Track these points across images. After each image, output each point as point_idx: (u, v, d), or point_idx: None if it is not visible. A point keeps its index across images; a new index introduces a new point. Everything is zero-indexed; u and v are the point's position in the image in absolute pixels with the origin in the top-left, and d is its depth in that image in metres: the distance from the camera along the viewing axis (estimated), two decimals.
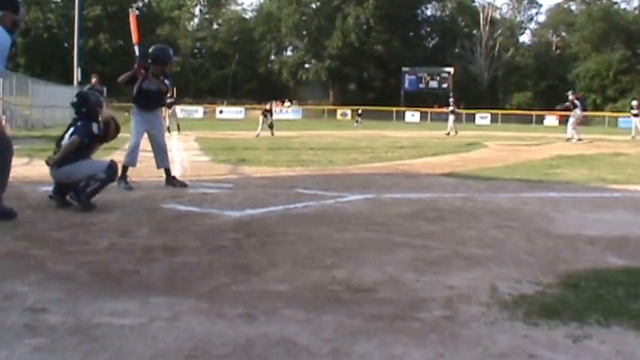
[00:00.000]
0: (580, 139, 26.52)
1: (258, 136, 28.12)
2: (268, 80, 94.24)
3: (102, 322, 3.67)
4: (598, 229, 6.96)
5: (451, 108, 36.74)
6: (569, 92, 30.28)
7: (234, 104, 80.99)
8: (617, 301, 4.18)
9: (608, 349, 3.41)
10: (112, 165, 7.91)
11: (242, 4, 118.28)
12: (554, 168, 14.42)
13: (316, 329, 3.63)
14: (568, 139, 27.01)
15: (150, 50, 10.30)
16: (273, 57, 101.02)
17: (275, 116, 32.41)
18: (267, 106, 31.05)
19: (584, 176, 12.68)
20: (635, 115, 33.35)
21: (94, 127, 7.87)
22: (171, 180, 10.16)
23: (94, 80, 23.24)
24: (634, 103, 33.81)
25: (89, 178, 7.62)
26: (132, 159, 10.03)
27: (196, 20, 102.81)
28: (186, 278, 4.72)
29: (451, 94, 39.21)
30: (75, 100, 8.16)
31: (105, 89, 22.02)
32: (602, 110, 78.59)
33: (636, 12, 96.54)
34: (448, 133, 34.49)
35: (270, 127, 29.76)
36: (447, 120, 37.73)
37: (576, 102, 28.37)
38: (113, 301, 4.08)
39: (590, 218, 7.76)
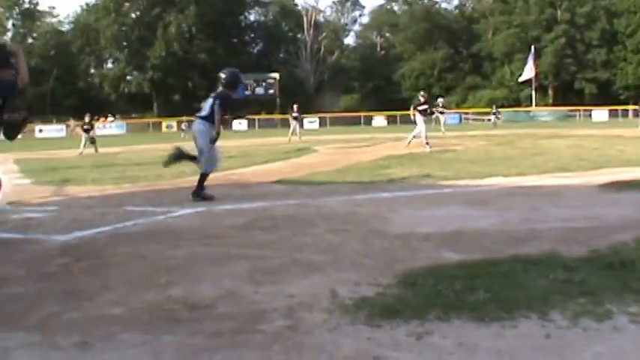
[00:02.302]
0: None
1: (81, 154, 27.36)
2: (89, 95, 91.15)
3: None
4: (432, 225, 7.25)
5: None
6: (440, 100, 31.22)
7: (54, 121, 77.82)
8: (455, 295, 4.37)
9: (450, 343, 3.56)
10: None
11: (58, 15, 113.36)
12: (385, 168, 14.89)
13: (156, 351, 3.57)
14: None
15: None
16: (93, 70, 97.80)
17: (98, 132, 31.46)
18: (87, 119, 30.03)
19: (415, 174, 13.19)
20: (442, 113, 35.31)
21: None
22: None
23: None
24: (440, 100, 35.89)
25: None
26: None
27: (9, 35, 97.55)
28: (13, 310, 4.49)
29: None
30: None
31: None
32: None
33: (456, 11, 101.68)
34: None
35: (92, 142, 28.91)
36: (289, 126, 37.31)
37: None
38: None
39: (423, 216, 8.07)
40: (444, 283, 4.62)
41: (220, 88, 10.92)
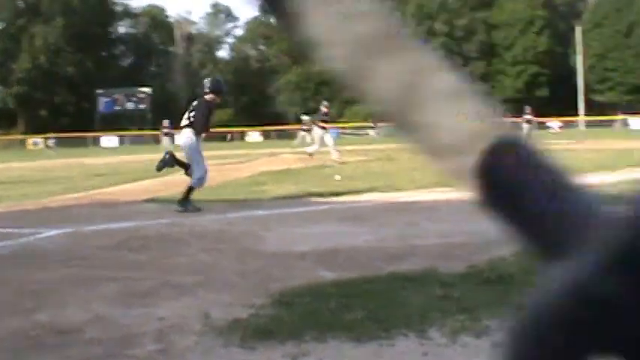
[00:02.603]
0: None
1: None
2: None
3: None
4: (308, 243, 7.24)
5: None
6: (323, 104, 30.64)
7: None
8: (331, 314, 4.35)
9: None
10: None
11: None
12: (261, 185, 14.82)
13: None
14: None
15: None
16: None
17: None
18: None
19: (291, 191, 13.18)
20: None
21: None
22: None
23: None
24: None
25: None
26: None
27: None
28: None
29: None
30: None
31: None
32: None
33: None
34: None
35: None
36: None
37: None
38: None
39: (299, 233, 8.06)
40: (320, 303, 4.61)
41: (208, 96, 11.50)
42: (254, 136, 77.17)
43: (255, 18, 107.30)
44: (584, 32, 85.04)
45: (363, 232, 7.90)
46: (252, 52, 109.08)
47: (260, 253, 6.80)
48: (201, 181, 11.05)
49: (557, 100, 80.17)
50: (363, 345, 3.82)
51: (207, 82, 11.83)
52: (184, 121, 11.26)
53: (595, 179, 13.23)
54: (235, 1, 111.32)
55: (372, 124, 59.75)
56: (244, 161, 26.66)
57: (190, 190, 10.86)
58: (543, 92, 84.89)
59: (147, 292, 5.31)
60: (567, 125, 68.08)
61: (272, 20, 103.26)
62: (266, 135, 74.79)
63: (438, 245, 6.89)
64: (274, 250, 6.92)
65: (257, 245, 7.28)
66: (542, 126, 38.70)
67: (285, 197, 12.21)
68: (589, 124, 72.37)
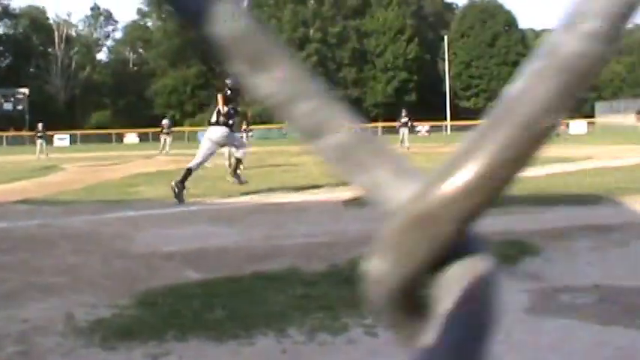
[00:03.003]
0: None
1: None
2: None
3: None
4: (177, 244, 7.22)
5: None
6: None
7: None
8: (193, 314, 4.37)
9: None
10: None
11: None
12: (135, 186, 14.64)
13: None
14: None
15: None
16: None
17: None
18: None
19: (164, 192, 13.00)
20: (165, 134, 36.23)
21: None
22: None
23: None
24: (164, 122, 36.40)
25: None
26: None
27: None
28: None
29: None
30: None
31: None
32: (182, 125, 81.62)
33: None
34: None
35: None
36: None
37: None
38: None
39: (169, 234, 8.03)
40: (183, 303, 4.62)
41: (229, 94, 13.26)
42: (131, 137, 75.71)
43: (134, 22, 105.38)
44: (451, 41, 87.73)
45: (232, 233, 7.93)
46: (131, 55, 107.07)
47: (128, 254, 6.73)
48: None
49: (425, 105, 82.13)
50: (224, 344, 3.86)
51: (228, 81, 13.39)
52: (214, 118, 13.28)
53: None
54: (115, 4, 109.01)
55: (245, 128, 58.13)
56: (119, 163, 26.19)
57: (239, 161, 13.74)
58: (412, 98, 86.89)
59: (11, 293, 5.17)
60: (435, 129, 69.85)
61: (150, 24, 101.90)
62: (143, 137, 73.47)
63: (303, 245, 6.99)
64: (143, 251, 6.86)
65: (126, 246, 7.20)
66: (411, 130, 39.45)
67: (157, 198, 12.10)
68: (455, 129, 74.58)
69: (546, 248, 6.67)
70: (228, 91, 13.20)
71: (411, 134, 35.58)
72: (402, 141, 31.57)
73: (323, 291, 4.94)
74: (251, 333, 4.02)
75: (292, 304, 4.61)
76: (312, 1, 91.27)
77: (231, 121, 13.24)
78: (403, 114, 34.76)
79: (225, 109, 12.99)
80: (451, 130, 75.00)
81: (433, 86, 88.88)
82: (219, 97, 13.26)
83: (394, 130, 63.09)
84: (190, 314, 4.37)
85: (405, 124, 34.04)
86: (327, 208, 10.13)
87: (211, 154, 13.12)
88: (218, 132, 12.94)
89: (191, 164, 12.40)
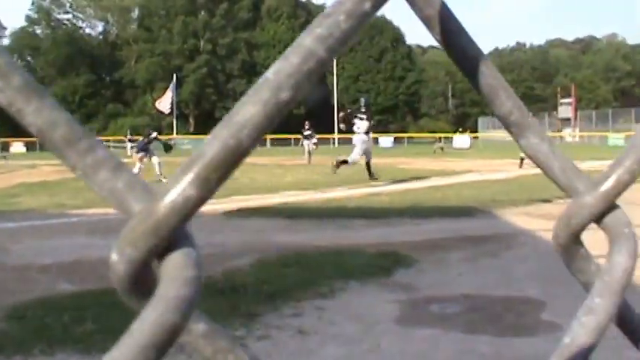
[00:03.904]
0: None
1: None
2: None
3: None
4: (53, 256, 7.04)
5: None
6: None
7: None
8: (62, 327, 4.28)
9: None
10: None
11: None
12: (15, 197, 14.17)
13: None
14: None
15: None
16: None
17: None
18: None
19: (45, 203, 12.71)
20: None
21: None
22: None
23: None
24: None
25: None
26: None
27: None
28: None
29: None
30: None
31: None
32: None
33: (101, 37, 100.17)
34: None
35: None
36: None
37: None
38: None
39: (46, 246, 7.81)
40: (53, 316, 4.51)
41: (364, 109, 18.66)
42: (18, 147, 73.22)
43: (22, 29, 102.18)
44: (339, 55, 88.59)
45: (109, 245, 7.56)
46: (19, 63, 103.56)
47: (2, 267, 6.52)
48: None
49: (313, 118, 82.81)
50: (92, 357, 3.79)
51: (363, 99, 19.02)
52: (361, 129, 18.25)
53: (340, 194, 13.91)
54: (2, 10, 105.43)
55: (129, 137, 56.25)
56: (3, 172, 25.30)
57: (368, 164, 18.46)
58: (300, 111, 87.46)
59: None
60: (323, 142, 70.47)
61: (39, 32, 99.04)
62: (30, 146, 71.18)
63: None
64: (17, 263, 6.67)
65: (1, 258, 6.98)
66: (299, 143, 39.68)
67: (38, 209, 11.76)
68: (343, 142, 75.46)
69: (420, 259, 6.82)
70: (363, 108, 18.63)
71: (298, 147, 35.45)
72: (308, 152, 31.20)
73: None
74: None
75: None
76: (202, 13, 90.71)
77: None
78: (306, 126, 34.18)
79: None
80: (339, 142, 75.86)
81: (321, 100, 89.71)
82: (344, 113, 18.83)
83: (282, 142, 62.74)
84: (60, 327, 4.27)
85: (308, 137, 33.54)
86: (207, 220, 10.04)
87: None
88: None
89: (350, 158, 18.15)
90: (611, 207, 0.41)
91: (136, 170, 18.67)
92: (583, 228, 0.42)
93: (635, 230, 0.42)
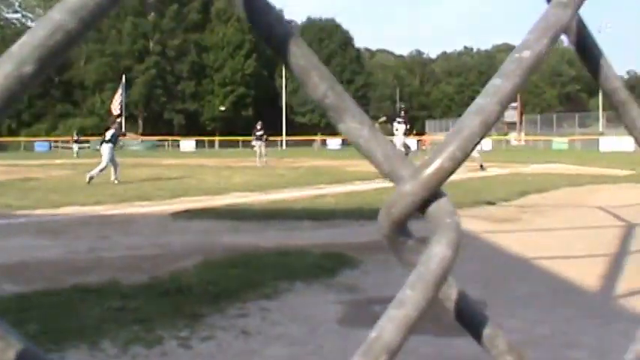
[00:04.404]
0: None
1: None
2: None
3: None
4: None
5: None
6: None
7: None
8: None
9: None
10: None
11: None
12: None
13: None
14: None
15: None
16: None
17: None
18: None
19: None
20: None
21: None
22: None
23: None
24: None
25: None
26: None
27: None
28: None
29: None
30: None
31: None
32: (18, 135, 78.22)
33: None
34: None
35: None
36: None
37: None
38: None
39: None
40: None
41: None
42: None
43: None
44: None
45: (56, 245, 7.69)
46: None
47: None
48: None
49: (261, 120, 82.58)
50: None
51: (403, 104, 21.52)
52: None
53: (287, 195, 13.94)
54: None
55: (75, 138, 54.83)
56: None
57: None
58: (249, 112, 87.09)
59: None
60: (271, 144, 70.43)
61: None
62: None
63: (126, 257, 6.89)
64: None
65: None
66: (247, 144, 39.62)
67: None
68: (291, 144, 75.56)
69: (365, 260, 6.86)
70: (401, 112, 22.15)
71: (247, 148, 35.09)
72: (259, 155, 30.69)
73: (140, 303, 4.89)
74: (63, 347, 3.93)
75: (108, 317, 4.54)
76: (152, 14, 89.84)
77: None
78: (258, 127, 33.63)
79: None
80: (286, 144, 75.94)
81: (270, 101, 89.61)
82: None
83: (230, 144, 62.22)
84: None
85: (260, 138, 32.96)
86: (154, 221, 9.99)
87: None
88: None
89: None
90: (434, 195, 0.40)
91: (103, 165, 18.29)
92: (406, 217, 0.40)
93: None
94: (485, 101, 0.40)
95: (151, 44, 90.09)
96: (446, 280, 0.38)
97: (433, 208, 0.40)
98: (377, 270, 6.52)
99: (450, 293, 0.45)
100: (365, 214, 10.21)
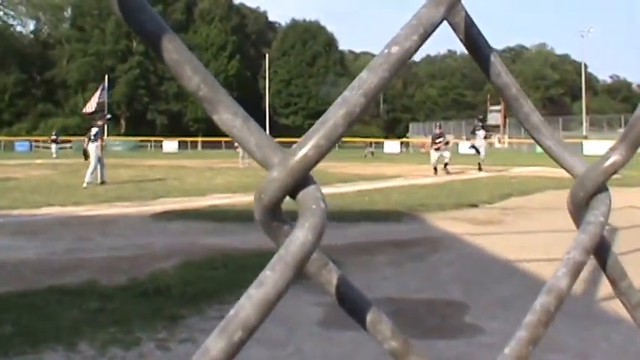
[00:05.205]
0: None
1: None
2: None
3: None
4: None
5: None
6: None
7: None
8: None
9: None
10: None
11: None
12: None
13: None
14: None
15: None
16: None
17: None
18: None
19: None
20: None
21: None
22: None
23: None
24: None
25: None
26: None
27: None
28: None
29: None
30: None
31: None
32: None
33: (32, 36, 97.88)
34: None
35: None
36: None
37: None
38: None
39: None
40: None
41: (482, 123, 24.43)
42: None
43: None
44: (272, 59, 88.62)
45: (35, 246, 7.61)
46: None
47: None
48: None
49: None
50: None
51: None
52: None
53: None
54: None
55: (53, 137, 53.20)
56: None
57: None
58: None
59: None
60: None
61: None
62: None
63: (105, 259, 6.83)
64: None
65: None
66: (230, 146, 39.61)
67: None
68: None
69: (346, 263, 6.83)
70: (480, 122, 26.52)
71: (229, 150, 34.87)
72: (242, 156, 30.43)
73: (119, 305, 4.85)
74: (39, 348, 3.88)
75: (86, 319, 4.49)
76: None
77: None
78: None
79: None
80: None
81: (253, 103, 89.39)
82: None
83: (213, 145, 61.95)
84: None
85: None
86: (135, 222, 9.92)
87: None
88: None
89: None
90: (304, 182, 0.41)
91: (92, 167, 18.00)
92: (276, 202, 0.42)
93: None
94: (350, 94, 0.42)
95: (134, 44, 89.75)
96: (306, 263, 0.40)
97: (302, 194, 0.41)
98: (358, 272, 6.49)
99: (331, 277, 0.48)
100: (346, 216, 10.19)
